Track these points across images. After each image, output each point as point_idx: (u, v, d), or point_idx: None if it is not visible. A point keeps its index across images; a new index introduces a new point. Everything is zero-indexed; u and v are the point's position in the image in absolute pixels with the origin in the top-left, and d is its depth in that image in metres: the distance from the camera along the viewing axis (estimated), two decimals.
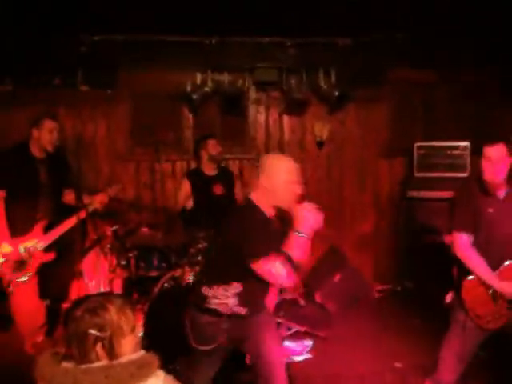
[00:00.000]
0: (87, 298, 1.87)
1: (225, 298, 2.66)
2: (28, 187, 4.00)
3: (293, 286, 2.64)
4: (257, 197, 2.73)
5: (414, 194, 5.53)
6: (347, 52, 5.46)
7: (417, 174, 5.57)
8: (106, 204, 4.31)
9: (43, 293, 4.16)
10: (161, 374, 1.81)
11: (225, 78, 5.40)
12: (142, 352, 1.84)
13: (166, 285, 4.10)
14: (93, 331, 1.74)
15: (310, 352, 4.40)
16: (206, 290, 2.73)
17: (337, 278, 5.29)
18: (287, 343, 4.48)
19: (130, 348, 1.81)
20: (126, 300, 1.89)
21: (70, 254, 4.45)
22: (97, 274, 4.73)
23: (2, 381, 3.66)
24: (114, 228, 4.43)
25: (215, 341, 2.74)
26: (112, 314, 1.78)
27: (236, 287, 2.65)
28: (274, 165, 2.71)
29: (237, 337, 2.81)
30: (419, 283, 5.40)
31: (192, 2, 4.48)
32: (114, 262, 4.46)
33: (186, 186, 4.87)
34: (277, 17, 4.92)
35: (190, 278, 4.04)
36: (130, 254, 4.34)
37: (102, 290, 4.65)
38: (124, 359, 1.77)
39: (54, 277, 4.20)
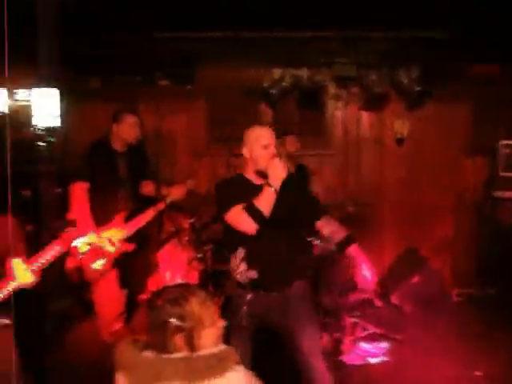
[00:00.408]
0: (170, 288, 1.88)
1: (236, 266, 2.81)
2: (108, 180, 4.10)
3: (254, 231, 2.73)
4: (244, 169, 3.00)
5: (499, 194, 5.27)
6: (428, 47, 5.29)
7: (502, 174, 5.30)
8: (183, 196, 4.37)
9: (122, 283, 4.27)
10: (240, 369, 1.78)
11: (303, 73, 5.35)
12: (223, 346, 1.82)
13: None
14: (173, 320, 1.75)
15: (385, 354, 4.29)
16: (227, 265, 2.91)
17: (415, 279, 5.12)
18: (363, 344, 4.39)
19: (210, 341, 1.80)
20: (208, 293, 1.89)
21: (148, 245, 4.55)
22: (173, 266, 4.80)
23: (80, 368, 3.79)
24: (192, 221, 4.49)
25: (237, 313, 2.81)
26: (193, 305, 1.78)
27: (240, 251, 2.80)
28: (249, 135, 2.95)
29: (259, 313, 2.86)
30: (502, 289, 5.14)
31: None
32: (191, 254, 4.53)
33: None
34: (358, 10, 4.83)
35: None
36: (206, 248, 4.39)
37: (178, 281, 4.72)
38: (204, 351, 1.76)
39: (132, 267, 4.28)
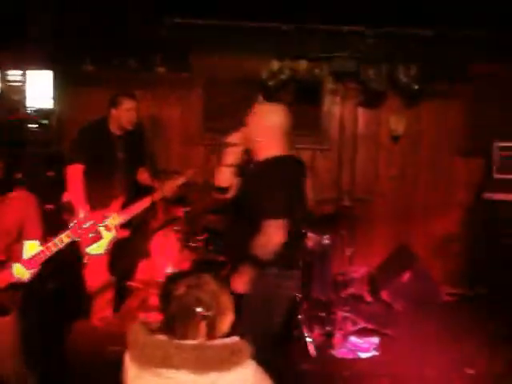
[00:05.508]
0: (185, 274, 1.82)
1: None
2: (105, 162, 4.05)
3: None
4: None
5: (492, 196, 5.27)
6: (428, 45, 5.29)
7: (496, 176, 5.31)
8: (176, 191, 4.31)
9: (111, 269, 4.20)
10: (252, 363, 1.71)
11: (302, 66, 5.30)
12: (236, 338, 1.75)
13: None
14: (199, 309, 1.69)
15: (376, 349, 4.28)
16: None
17: (405, 277, 5.12)
18: (353, 339, 4.38)
19: (226, 329, 1.75)
20: (220, 279, 1.84)
21: (139, 232, 4.49)
22: (165, 255, 4.74)
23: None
24: (186, 210, 4.44)
25: None
26: (215, 291, 1.72)
27: None
28: None
29: None
30: (494, 289, 5.14)
31: None
32: (183, 243, 4.47)
33: None
34: (357, 5, 4.82)
35: None
36: (200, 237, 4.34)
37: (170, 270, 4.66)
38: (217, 342, 1.70)
39: (122, 254, 4.22)
